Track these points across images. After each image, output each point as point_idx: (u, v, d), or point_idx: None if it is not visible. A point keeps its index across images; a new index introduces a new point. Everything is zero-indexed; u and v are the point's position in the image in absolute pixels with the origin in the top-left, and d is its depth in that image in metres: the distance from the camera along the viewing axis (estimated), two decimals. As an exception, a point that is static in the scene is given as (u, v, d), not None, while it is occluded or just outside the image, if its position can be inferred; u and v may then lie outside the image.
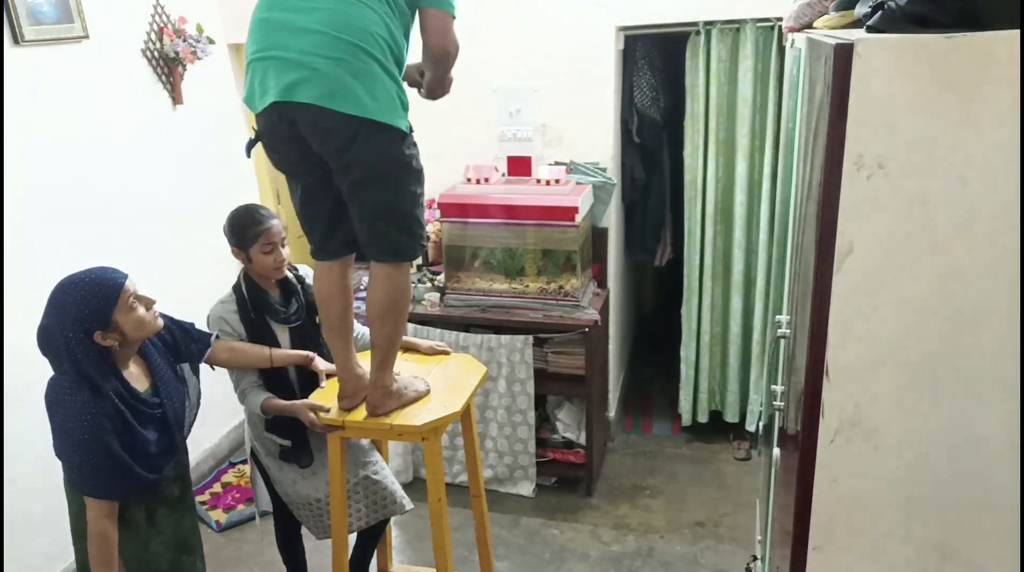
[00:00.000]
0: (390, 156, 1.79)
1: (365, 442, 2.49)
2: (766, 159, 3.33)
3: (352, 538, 2.61)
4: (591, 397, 3.32)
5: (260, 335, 2.29)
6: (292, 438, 2.34)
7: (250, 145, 1.94)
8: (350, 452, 2.39)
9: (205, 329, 2.26)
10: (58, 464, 2.84)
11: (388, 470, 2.53)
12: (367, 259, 1.97)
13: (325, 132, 1.74)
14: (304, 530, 2.61)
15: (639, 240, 4.09)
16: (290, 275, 2.37)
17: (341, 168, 1.81)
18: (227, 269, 3.70)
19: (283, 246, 2.29)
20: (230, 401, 3.76)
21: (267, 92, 1.73)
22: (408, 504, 2.51)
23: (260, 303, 2.30)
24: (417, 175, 1.88)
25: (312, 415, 2.14)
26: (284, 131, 1.78)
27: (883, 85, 1.08)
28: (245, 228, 2.25)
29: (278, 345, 2.31)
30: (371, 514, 2.45)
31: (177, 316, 2.14)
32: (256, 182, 4.03)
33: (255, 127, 1.88)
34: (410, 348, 2.45)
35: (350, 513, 2.40)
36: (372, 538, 2.64)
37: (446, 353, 2.45)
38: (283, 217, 4.18)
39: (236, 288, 2.33)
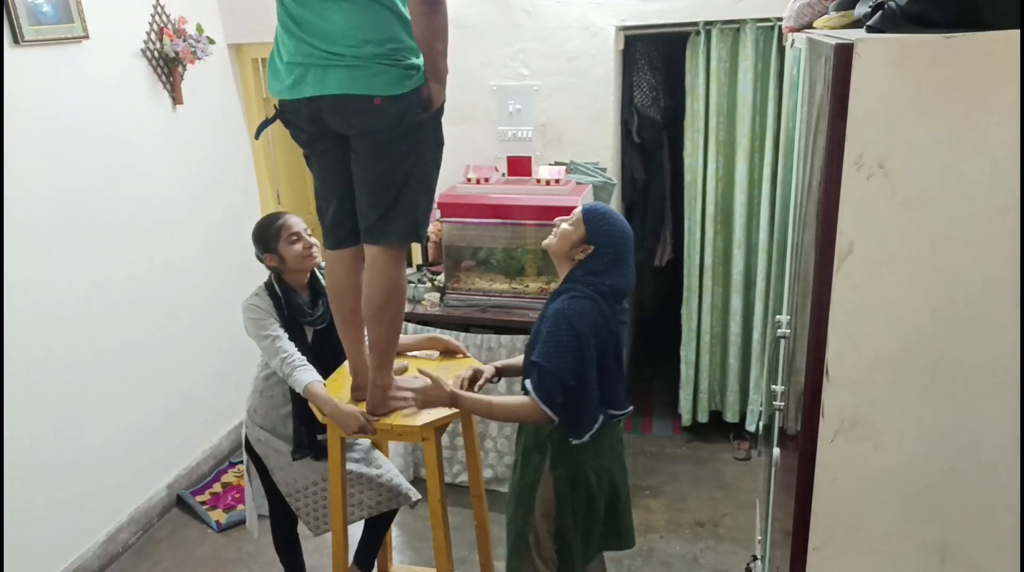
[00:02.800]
0: (408, 116, 1.81)
1: (364, 442, 2.49)
2: (766, 159, 3.33)
3: (358, 531, 2.61)
4: (591, 397, 3.31)
5: (289, 332, 2.31)
6: (306, 431, 2.37)
7: (263, 126, 2.02)
8: (348, 448, 2.40)
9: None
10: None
11: (390, 464, 2.54)
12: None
13: (348, 114, 1.81)
14: (302, 529, 2.61)
15: (639, 240, 4.08)
16: (320, 277, 2.40)
17: (361, 141, 1.85)
18: (225, 268, 3.71)
19: (308, 235, 2.35)
20: (229, 401, 3.78)
21: (303, 85, 1.81)
22: (415, 495, 2.52)
23: (290, 303, 2.34)
24: (432, 151, 1.91)
25: (359, 426, 2.09)
26: (312, 114, 1.85)
27: (883, 85, 1.08)
28: (266, 229, 2.35)
29: (305, 342, 2.35)
30: (375, 506, 2.47)
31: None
32: (256, 182, 4.03)
33: (276, 105, 1.94)
34: (435, 345, 2.45)
35: (352, 503, 2.41)
36: (379, 529, 2.65)
37: (463, 353, 2.44)
38: (284, 217, 4.18)
39: (268, 285, 2.37)
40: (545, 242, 2.04)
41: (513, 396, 2.05)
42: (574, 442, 1.95)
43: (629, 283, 1.99)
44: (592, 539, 2.07)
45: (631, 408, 2.08)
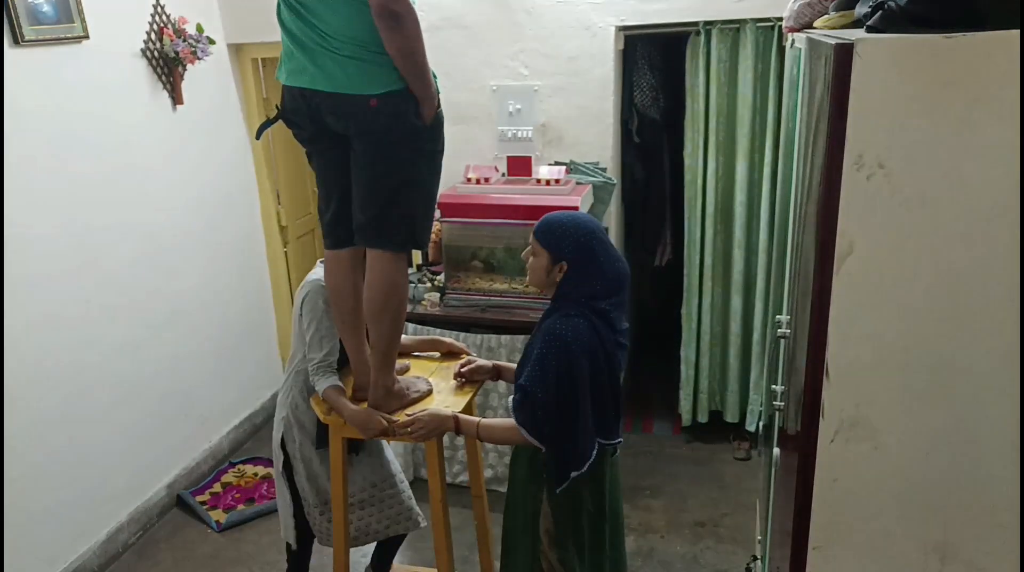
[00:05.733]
0: (403, 120, 1.80)
1: (388, 453, 2.47)
2: (766, 159, 3.33)
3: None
4: (591, 397, 3.31)
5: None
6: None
7: (263, 127, 2.02)
8: (370, 462, 2.38)
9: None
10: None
11: (406, 484, 2.50)
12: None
13: (344, 114, 1.81)
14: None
15: (639, 240, 4.09)
16: None
17: (359, 141, 1.85)
18: (225, 267, 3.71)
19: None
20: (229, 401, 3.78)
21: (297, 73, 1.81)
22: (422, 521, 2.50)
23: None
24: (429, 160, 1.90)
25: (379, 427, 2.04)
26: (312, 113, 1.85)
27: (883, 85, 1.08)
28: None
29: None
30: (383, 529, 2.45)
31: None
32: (256, 183, 4.03)
33: (277, 105, 1.94)
34: (437, 347, 2.44)
35: (361, 525, 2.39)
36: (390, 548, 2.64)
37: (466, 353, 2.42)
38: (283, 217, 4.18)
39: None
40: (527, 283, 1.97)
41: (501, 419, 1.98)
42: (573, 474, 1.86)
43: (618, 273, 1.86)
44: (601, 564, 2.02)
45: (620, 440, 1.95)
